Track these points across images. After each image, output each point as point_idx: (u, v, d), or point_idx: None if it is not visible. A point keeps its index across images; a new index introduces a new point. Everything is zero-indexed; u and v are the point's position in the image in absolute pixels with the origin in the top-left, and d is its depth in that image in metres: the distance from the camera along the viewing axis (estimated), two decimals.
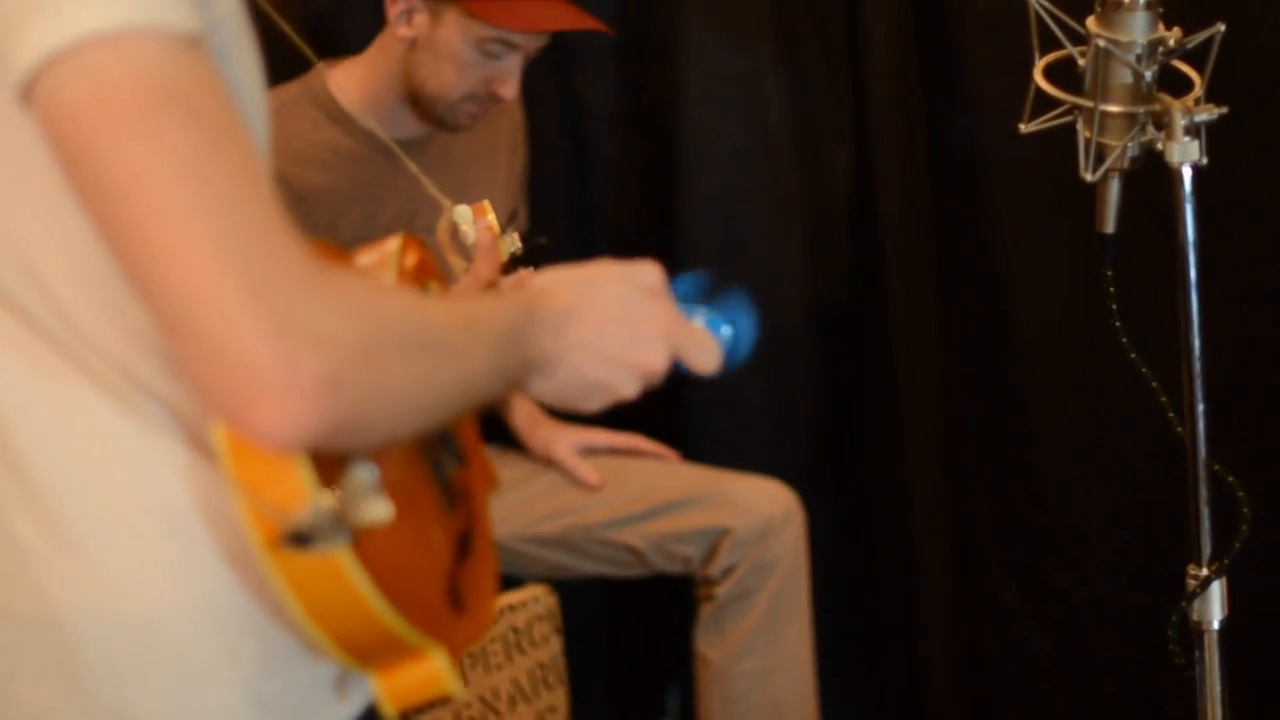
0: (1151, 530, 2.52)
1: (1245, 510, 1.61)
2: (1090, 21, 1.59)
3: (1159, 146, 1.58)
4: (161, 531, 1.02)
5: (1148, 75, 1.58)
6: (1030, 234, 2.57)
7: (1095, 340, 2.28)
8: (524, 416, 2.44)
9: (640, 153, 2.65)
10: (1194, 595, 1.61)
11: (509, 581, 2.36)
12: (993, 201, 2.59)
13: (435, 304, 1.08)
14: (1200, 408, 1.59)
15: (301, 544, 0.92)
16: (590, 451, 2.45)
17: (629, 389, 1.13)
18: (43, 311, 1.00)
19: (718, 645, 2.33)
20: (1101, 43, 1.57)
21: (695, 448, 2.58)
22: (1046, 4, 1.60)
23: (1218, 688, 1.63)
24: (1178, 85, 1.62)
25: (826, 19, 2.56)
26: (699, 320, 1.20)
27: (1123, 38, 1.57)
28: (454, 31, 2.14)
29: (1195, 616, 1.62)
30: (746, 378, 2.62)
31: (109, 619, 1.02)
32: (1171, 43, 1.58)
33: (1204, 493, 1.59)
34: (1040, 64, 1.63)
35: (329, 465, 0.95)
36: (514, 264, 1.64)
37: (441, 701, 1.25)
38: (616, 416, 2.64)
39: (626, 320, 1.12)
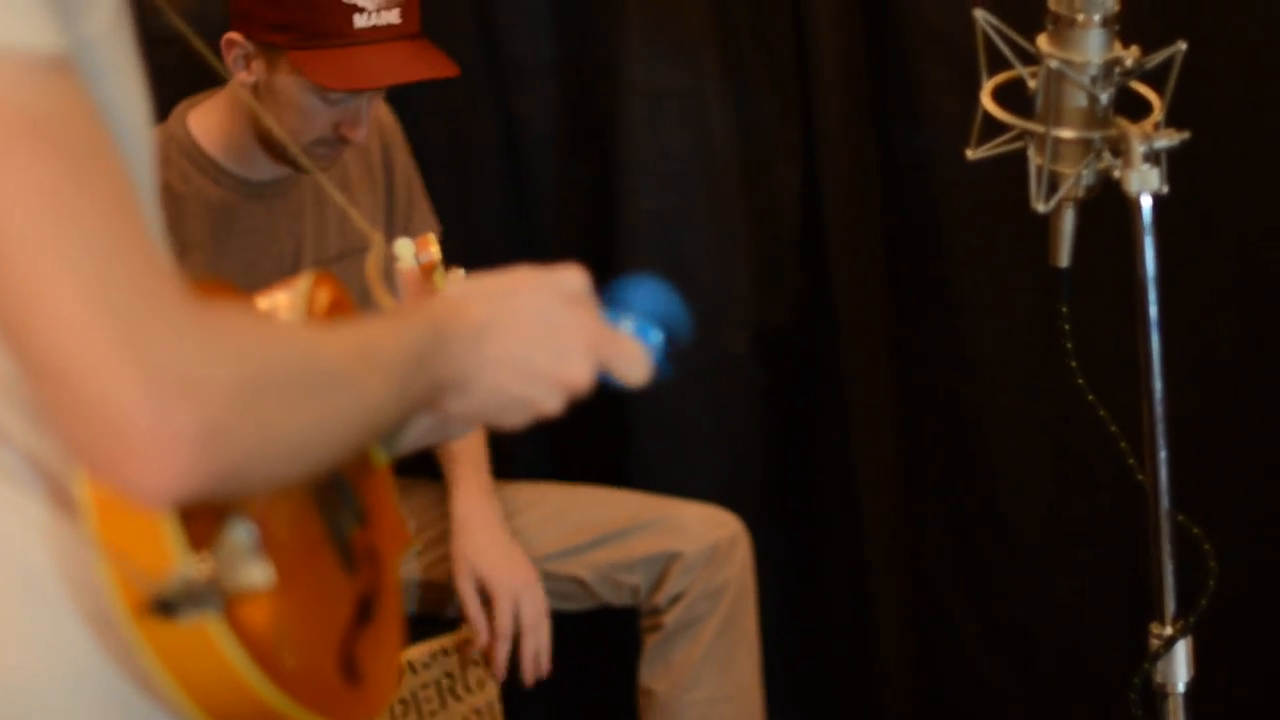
0: (1115, 565, 2.46)
1: (1212, 564, 1.52)
2: (1041, 40, 1.50)
3: (1116, 174, 1.49)
4: (19, 595, 0.96)
5: (1103, 98, 1.50)
6: (987, 257, 2.51)
7: (1055, 366, 2.20)
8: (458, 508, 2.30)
9: (581, 174, 2.59)
10: (1157, 656, 1.52)
11: (445, 624, 2.30)
12: (948, 223, 2.54)
13: (326, 336, 1.01)
14: (1162, 454, 1.51)
15: (168, 612, 0.88)
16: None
17: (551, 404, 1.10)
18: None
19: (663, 677, 2.29)
20: (1054, 63, 1.47)
21: (637, 475, 2.53)
22: (994, 21, 1.51)
23: None
24: (1136, 108, 1.54)
25: (772, 32, 2.49)
26: (627, 327, 1.15)
27: (1076, 58, 1.49)
28: (290, 80, 2.03)
29: (1159, 679, 1.54)
30: (689, 403, 2.58)
31: None
32: (1129, 63, 1.50)
33: (1167, 546, 1.51)
34: (988, 85, 1.54)
35: (206, 520, 0.91)
36: None
37: None
38: (555, 445, 2.66)
39: (547, 332, 1.08)
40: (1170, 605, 1.54)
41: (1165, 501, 1.52)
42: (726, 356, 2.56)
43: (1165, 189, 1.49)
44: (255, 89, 2.06)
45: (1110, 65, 1.49)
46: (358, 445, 1.00)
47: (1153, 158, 1.48)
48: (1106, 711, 2.46)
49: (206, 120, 2.16)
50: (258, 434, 0.87)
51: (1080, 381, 1.58)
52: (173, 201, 2.10)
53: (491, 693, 2.30)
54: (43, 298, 0.82)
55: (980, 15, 1.52)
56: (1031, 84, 1.52)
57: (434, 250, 1.54)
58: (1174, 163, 1.50)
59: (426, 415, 1.11)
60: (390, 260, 1.41)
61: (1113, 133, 1.50)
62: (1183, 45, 1.52)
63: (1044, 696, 2.60)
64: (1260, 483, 2.43)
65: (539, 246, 2.59)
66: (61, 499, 0.95)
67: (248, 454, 0.87)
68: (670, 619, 2.27)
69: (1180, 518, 1.54)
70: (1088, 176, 1.52)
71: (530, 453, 2.57)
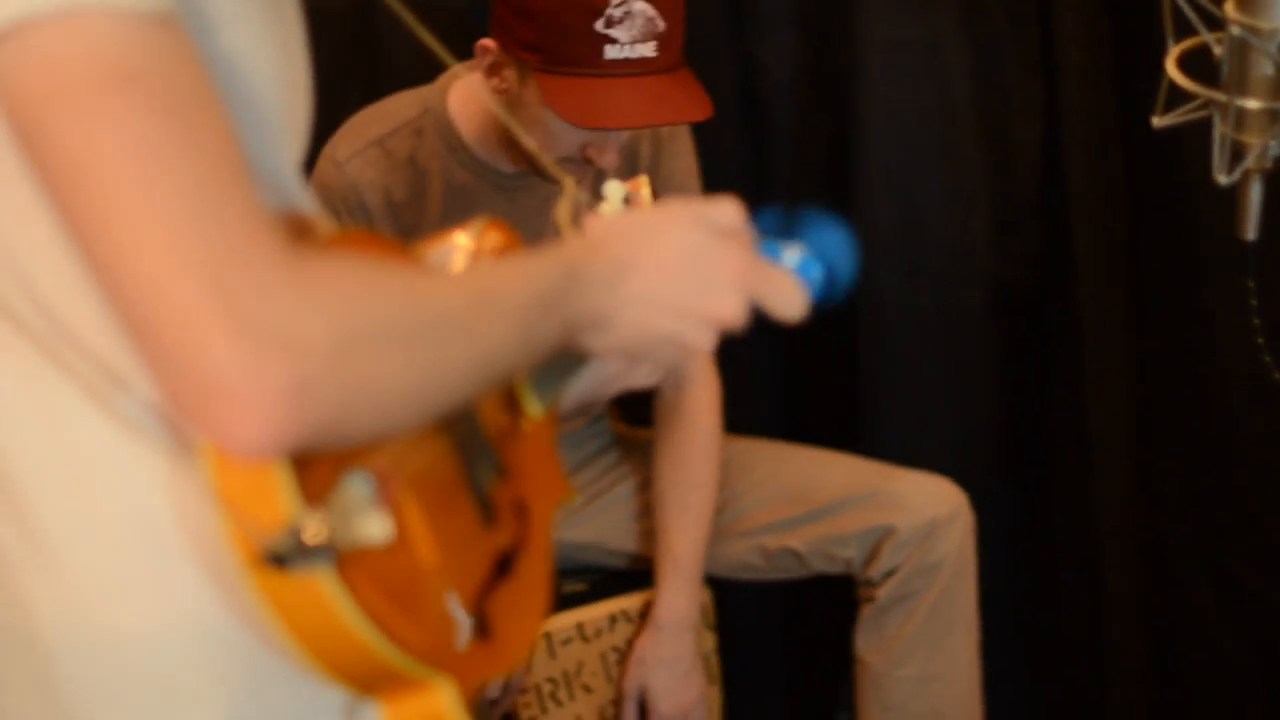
0: None
1: None
2: (1228, 6, 1.44)
3: None
4: (139, 544, 0.97)
5: None
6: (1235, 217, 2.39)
7: None
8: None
9: (818, 123, 2.55)
10: None
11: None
12: (1194, 177, 2.39)
13: (440, 282, 1.01)
14: None
15: (280, 565, 0.87)
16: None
17: (701, 339, 1.06)
18: (26, 308, 0.95)
19: (876, 649, 2.25)
20: (1237, 30, 1.41)
21: (867, 434, 2.50)
22: None
23: None
24: None
25: None
26: (786, 260, 1.11)
27: (1264, 24, 1.41)
28: (539, 99, 1.94)
29: None
30: (922, 362, 2.54)
31: (83, 633, 0.98)
32: None
33: None
34: (1174, 52, 1.48)
35: (326, 471, 0.90)
36: None
37: None
38: (787, 401, 2.65)
39: (693, 266, 1.05)
40: None
41: None
42: (962, 313, 2.52)
43: None
44: (506, 96, 1.99)
45: None
46: (475, 390, 0.99)
47: None
48: None
49: (467, 103, 2.10)
50: (354, 386, 0.86)
51: (1267, 359, 1.52)
52: (416, 175, 2.08)
53: (709, 644, 2.31)
54: (136, 252, 0.83)
55: None
56: (1217, 51, 1.46)
57: (645, 193, 1.51)
58: None
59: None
60: (579, 207, 1.41)
61: None
62: None
63: None
64: None
65: (775, 195, 2.56)
66: (184, 452, 0.95)
67: (345, 406, 0.86)
68: (883, 593, 2.22)
69: None
70: (1275, 148, 1.46)
71: (765, 409, 2.55)
